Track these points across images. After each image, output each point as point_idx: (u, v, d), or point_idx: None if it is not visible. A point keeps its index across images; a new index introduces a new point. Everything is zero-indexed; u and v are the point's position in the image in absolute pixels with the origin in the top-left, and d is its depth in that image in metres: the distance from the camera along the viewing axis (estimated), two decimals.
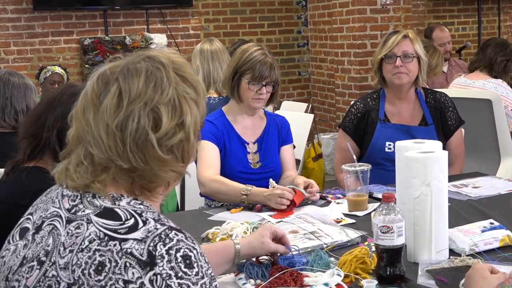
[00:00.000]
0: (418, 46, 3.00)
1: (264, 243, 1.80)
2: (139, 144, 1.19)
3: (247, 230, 2.18)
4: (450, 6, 7.98)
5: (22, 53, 6.55)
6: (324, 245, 2.01)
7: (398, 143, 2.06)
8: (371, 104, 3.12)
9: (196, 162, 2.82)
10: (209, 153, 2.78)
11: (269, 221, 2.33)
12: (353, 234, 2.10)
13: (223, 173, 2.82)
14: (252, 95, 2.80)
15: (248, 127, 2.92)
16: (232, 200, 2.62)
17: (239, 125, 2.90)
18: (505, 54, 4.07)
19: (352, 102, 3.28)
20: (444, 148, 2.94)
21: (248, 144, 2.89)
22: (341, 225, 2.24)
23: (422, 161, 1.87)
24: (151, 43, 6.76)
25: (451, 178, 2.76)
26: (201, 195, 2.90)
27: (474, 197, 2.58)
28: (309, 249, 1.97)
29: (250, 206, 2.56)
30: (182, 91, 1.24)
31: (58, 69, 4.93)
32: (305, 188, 2.59)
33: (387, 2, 6.24)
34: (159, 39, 6.85)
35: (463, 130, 3.24)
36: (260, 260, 1.85)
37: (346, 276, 1.76)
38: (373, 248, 1.87)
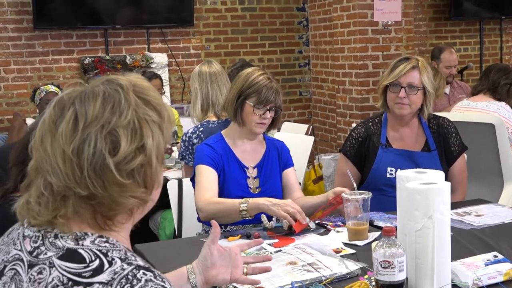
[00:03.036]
0: (426, 77, 2.93)
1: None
2: (97, 169, 1.13)
3: None
4: (452, 27, 7.96)
5: (22, 72, 6.53)
6: (323, 278, 1.96)
7: (399, 172, 2.01)
8: (373, 129, 3.07)
9: (194, 187, 2.79)
10: (207, 178, 2.74)
11: (267, 250, 2.27)
12: (353, 266, 2.04)
13: (222, 197, 2.77)
14: (255, 119, 2.76)
15: (248, 152, 2.88)
16: (233, 218, 2.57)
17: (238, 149, 2.86)
18: (508, 77, 4.05)
19: (353, 126, 3.24)
20: (446, 175, 2.93)
21: (247, 168, 2.85)
22: (340, 256, 2.18)
23: (424, 193, 1.82)
24: (151, 62, 6.74)
25: (454, 206, 2.71)
26: (199, 220, 2.85)
27: (477, 226, 2.52)
28: (307, 282, 1.92)
29: (248, 234, 2.50)
30: (143, 114, 1.19)
31: (52, 88, 4.91)
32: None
33: (389, 23, 6.22)
34: (160, 58, 6.83)
35: (465, 155, 3.19)
36: None
37: None
38: (374, 282, 1.81)
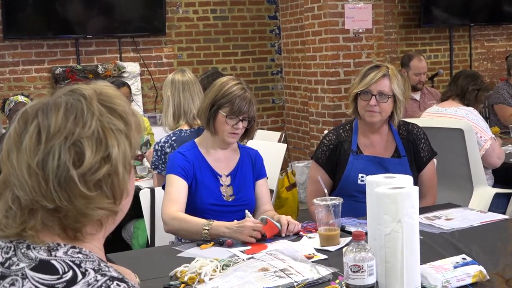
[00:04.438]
0: (396, 85, 2.96)
1: None
2: (62, 182, 1.12)
3: (217, 268, 2.13)
4: (422, 34, 8.06)
5: None
6: (295, 283, 1.97)
7: (368, 177, 2.04)
8: (344, 136, 3.10)
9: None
10: (175, 189, 2.74)
11: (240, 258, 2.28)
12: (324, 271, 2.06)
13: (195, 205, 2.78)
14: (228, 129, 2.77)
15: (221, 160, 2.88)
16: (194, 237, 2.58)
17: (211, 158, 2.86)
18: (475, 83, 4.11)
19: (325, 133, 3.26)
20: (416, 180, 2.96)
21: (221, 176, 2.85)
22: (312, 261, 2.20)
23: (393, 197, 1.84)
24: (123, 71, 6.72)
25: (424, 210, 2.76)
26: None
27: (446, 229, 2.56)
28: None
29: (221, 241, 2.51)
30: (107, 123, 1.17)
31: (21, 98, 4.87)
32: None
33: (360, 31, 6.28)
34: (132, 67, 6.81)
35: (435, 160, 3.23)
36: None
37: None
38: (344, 287, 1.83)
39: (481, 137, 3.92)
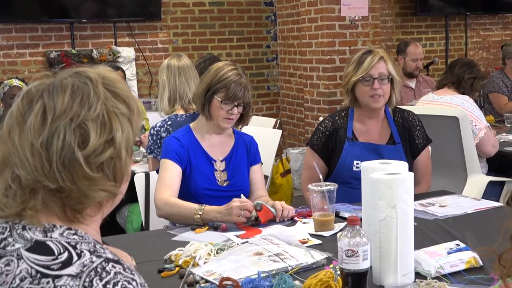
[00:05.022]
0: (391, 66, 2.97)
1: None
2: (66, 163, 1.13)
3: (211, 252, 2.13)
4: (418, 22, 8.05)
5: None
6: (289, 268, 1.98)
7: (364, 163, 2.04)
8: (340, 122, 3.10)
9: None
10: (169, 174, 2.74)
11: (234, 242, 2.28)
12: (319, 256, 2.06)
13: (189, 190, 2.78)
14: (222, 114, 2.76)
15: (216, 145, 2.88)
16: (187, 221, 2.58)
17: (206, 143, 2.86)
18: (471, 72, 4.11)
19: (320, 120, 3.26)
20: (411, 167, 2.97)
21: (215, 161, 2.85)
22: (306, 246, 2.20)
23: (387, 183, 1.84)
24: (118, 56, 6.70)
25: (418, 197, 2.76)
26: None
27: (440, 216, 2.57)
28: (274, 272, 1.93)
29: (216, 225, 2.51)
30: (112, 107, 1.18)
31: (15, 82, 4.84)
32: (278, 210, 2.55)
33: (356, 18, 6.27)
34: (127, 52, 6.78)
35: (430, 147, 3.24)
36: (224, 284, 1.80)
37: None
38: (339, 271, 1.84)
39: (475, 125, 3.92)
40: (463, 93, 4.11)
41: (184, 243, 2.24)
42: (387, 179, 1.86)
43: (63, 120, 1.13)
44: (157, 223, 3.05)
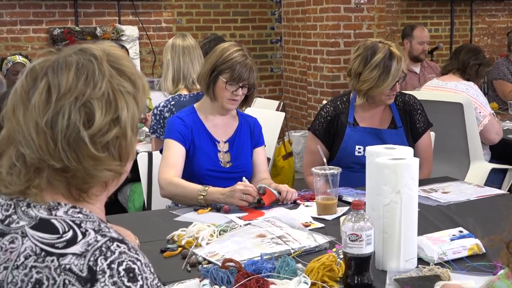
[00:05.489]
0: (404, 61, 2.94)
1: None
2: (71, 142, 1.11)
3: (214, 233, 2.13)
4: (424, 7, 8.00)
5: None
6: (292, 250, 1.98)
7: (369, 148, 2.03)
8: (341, 107, 3.08)
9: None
10: (173, 154, 2.73)
11: (237, 224, 2.28)
12: (321, 240, 2.06)
13: (192, 170, 2.78)
14: (227, 95, 2.75)
15: (220, 126, 2.87)
16: (190, 202, 2.58)
17: (210, 123, 2.85)
18: (477, 58, 4.09)
19: (322, 104, 3.24)
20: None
21: (219, 142, 2.85)
22: (309, 230, 2.20)
23: (393, 168, 1.84)
24: (122, 35, 6.67)
25: (421, 183, 2.73)
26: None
27: (443, 202, 2.57)
28: (276, 254, 1.93)
29: (218, 207, 2.51)
30: (117, 85, 1.16)
31: (19, 58, 4.82)
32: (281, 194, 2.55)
33: (361, 1, 6.22)
34: (131, 31, 6.75)
35: (432, 133, 3.23)
36: (226, 265, 1.80)
37: (313, 284, 1.72)
38: (341, 255, 1.84)
39: (480, 112, 3.91)
40: (468, 80, 4.09)
41: (186, 224, 2.25)
42: (392, 164, 1.85)
43: (68, 99, 1.12)
44: (159, 203, 3.06)
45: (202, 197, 2.53)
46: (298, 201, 2.60)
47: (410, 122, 3.07)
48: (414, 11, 7.98)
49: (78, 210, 1.15)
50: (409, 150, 2.04)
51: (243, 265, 1.79)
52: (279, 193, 2.55)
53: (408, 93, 3.17)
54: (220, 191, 2.51)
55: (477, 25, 8.34)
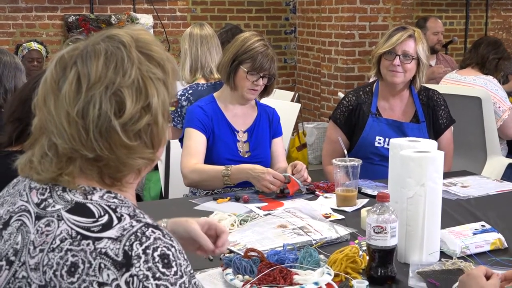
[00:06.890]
0: (421, 47, 2.93)
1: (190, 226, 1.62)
2: (103, 132, 1.11)
3: (235, 223, 2.14)
4: (439, 0, 7.96)
5: (4, 27, 6.40)
6: (313, 242, 1.98)
7: (393, 140, 2.03)
8: (363, 98, 3.08)
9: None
10: (195, 143, 2.74)
11: (257, 214, 2.28)
12: (343, 231, 2.06)
13: (211, 159, 2.78)
14: (248, 85, 2.75)
15: (239, 116, 2.87)
16: (216, 185, 2.62)
17: (229, 113, 2.85)
18: (497, 52, 4.06)
19: (339, 95, 3.24)
20: None
21: (238, 132, 2.85)
22: (330, 221, 2.20)
23: (418, 161, 1.83)
24: (137, 23, 6.65)
25: None
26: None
27: (463, 196, 2.56)
28: (298, 245, 1.93)
29: (237, 196, 2.51)
30: (147, 71, 1.16)
31: (34, 45, 4.82)
32: (293, 173, 2.57)
33: None
34: (145, 19, 6.74)
35: (452, 127, 3.22)
36: (249, 255, 1.80)
37: (336, 275, 1.72)
38: (364, 247, 1.83)
39: (499, 107, 3.89)
40: (487, 74, 4.07)
41: (206, 213, 2.25)
42: (417, 157, 1.84)
43: (98, 88, 1.12)
44: (176, 191, 3.06)
45: (227, 177, 2.57)
46: (317, 192, 2.60)
47: (433, 118, 3.06)
48: (429, 4, 7.94)
49: (113, 195, 1.16)
50: (433, 144, 2.04)
51: (266, 255, 1.79)
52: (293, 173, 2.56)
53: (432, 88, 3.16)
54: (248, 168, 2.54)
55: (492, 19, 8.29)
